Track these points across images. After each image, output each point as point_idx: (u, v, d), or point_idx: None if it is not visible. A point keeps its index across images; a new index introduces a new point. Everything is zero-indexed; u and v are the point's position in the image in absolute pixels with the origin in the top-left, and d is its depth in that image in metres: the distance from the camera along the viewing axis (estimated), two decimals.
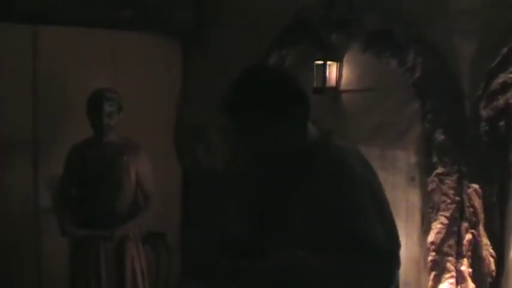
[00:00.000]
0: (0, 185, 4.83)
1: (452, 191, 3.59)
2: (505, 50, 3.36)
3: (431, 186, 3.68)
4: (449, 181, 3.60)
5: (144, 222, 4.12)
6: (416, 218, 3.84)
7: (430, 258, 3.69)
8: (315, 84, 4.22)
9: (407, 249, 3.89)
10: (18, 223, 4.90)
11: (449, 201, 3.61)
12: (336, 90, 4.24)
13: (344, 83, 4.25)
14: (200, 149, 5.25)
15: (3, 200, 4.84)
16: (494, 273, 3.42)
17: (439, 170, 3.64)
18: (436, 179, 3.65)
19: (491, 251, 3.42)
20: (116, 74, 5.07)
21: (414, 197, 3.86)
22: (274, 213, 2.10)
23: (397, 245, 2.04)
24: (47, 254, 5.00)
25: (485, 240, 3.44)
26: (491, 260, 3.42)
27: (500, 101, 3.40)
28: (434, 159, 3.66)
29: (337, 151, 2.10)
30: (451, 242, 3.60)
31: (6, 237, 4.80)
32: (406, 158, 3.90)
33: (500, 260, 3.43)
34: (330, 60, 4.20)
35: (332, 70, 4.22)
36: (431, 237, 3.68)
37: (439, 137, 3.64)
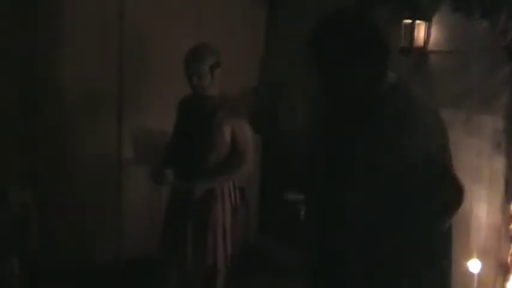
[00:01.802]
0: (84, 138, 4.99)
1: None
2: None
3: None
4: None
5: (231, 179, 4.06)
6: (500, 185, 3.76)
7: None
8: (402, 44, 4.14)
9: (489, 216, 3.84)
10: (102, 176, 5.07)
11: None
12: (423, 50, 4.15)
13: (432, 44, 4.14)
14: (282, 109, 5.27)
15: (87, 152, 4.99)
16: None
17: None
18: None
19: None
20: (200, 31, 5.10)
21: (499, 164, 3.77)
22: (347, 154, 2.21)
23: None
24: (128, 208, 5.18)
25: None
26: None
27: None
28: None
29: (414, 94, 2.21)
30: None
31: (89, 189, 4.98)
32: (493, 123, 3.80)
33: None
34: (419, 20, 4.10)
35: (420, 30, 4.12)
36: None
37: None
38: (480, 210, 3.85)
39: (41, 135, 4.78)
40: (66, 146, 4.92)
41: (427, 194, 2.08)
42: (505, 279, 3.63)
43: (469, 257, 3.68)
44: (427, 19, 4.12)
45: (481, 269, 3.54)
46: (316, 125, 2.72)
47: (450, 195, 2.12)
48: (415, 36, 4.12)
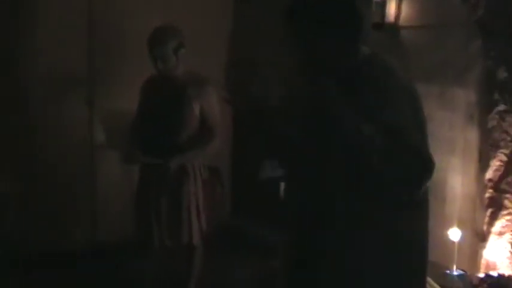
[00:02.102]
0: (56, 122, 4.95)
1: None
2: None
3: (491, 124, 3.70)
4: (510, 118, 3.61)
5: (201, 156, 4.13)
6: (474, 155, 3.86)
7: (487, 195, 3.73)
8: (374, 20, 4.20)
9: (464, 186, 3.95)
10: (73, 159, 5.04)
11: (509, 138, 3.62)
12: (395, 26, 4.22)
13: (403, 19, 4.22)
14: (255, 84, 5.28)
15: (59, 136, 4.96)
16: None
17: (500, 107, 3.65)
18: (497, 116, 3.67)
19: None
20: (168, 10, 5.08)
21: (472, 135, 3.87)
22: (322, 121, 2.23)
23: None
24: (101, 190, 5.17)
25: None
26: None
27: None
28: (496, 96, 3.67)
29: (387, 63, 2.28)
30: (510, 179, 3.63)
31: (62, 172, 4.97)
32: (466, 96, 3.90)
33: None
34: None
35: (391, 6, 4.20)
36: (489, 175, 3.71)
37: (502, 74, 3.64)
38: (455, 180, 3.95)
39: (13, 122, 4.75)
40: (38, 131, 4.89)
41: (397, 162, 2.13)
42: (481, 247, 3.74)
43: (445, 226, 3.77)
44: None
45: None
46: (295, 100, 2.75)
47: (418, 167, 2.14)
48: (387, 12, 4.19)
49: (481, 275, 3.49)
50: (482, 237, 3.75)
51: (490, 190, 3.71)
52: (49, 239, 4.83)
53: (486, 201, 3.74)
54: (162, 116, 4.00)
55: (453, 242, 3.56)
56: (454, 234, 3.56)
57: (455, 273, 3.51)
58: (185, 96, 3.94)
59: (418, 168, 2.14)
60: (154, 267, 4.31)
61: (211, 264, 4.46)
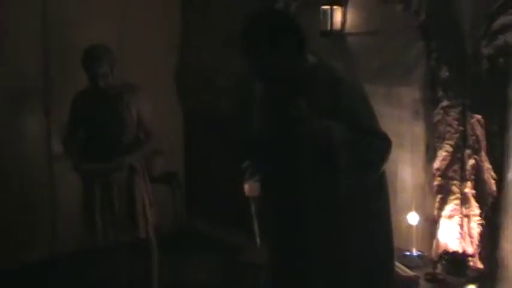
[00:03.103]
0: (13, 133, 5.03)
1: (456, 122, 3.97)
2: None
3: (437, 118, 4.07)
4: (454, 113, 3.98)
5: (145, 154, 4.40)
6: (421, 148, 4.24)
7: (436, 183, 4.10)
8: (321, 28, 4.54)
9: (413, 176, 4.31)
10: (32, 169, 5.13)
11: (453, 131, 3.99)
12: (341, 32, 4.56)
13: (349, 26, 4.57)
14: (206, 93, 5.53)
15: (16, 147, 5.04)
16: (495, 194, 3.85)
17: (444, 103, 4.03)
18: (442, 111, 4.04)
19: (493, 173, 3.83)
20: (118, 19, 5.27)
21: (419, 129, 4.25)
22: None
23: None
24: (60, 199, 5.27)
25: (486, 165, 3.85)
26: (493, 182, 3.84)
27: (500, 40, 3.75)
28: (440, 93, 4.04)
29: (334, 67, 2.71)
30: (456, 167, 4.01)
31: (21, 183, 5.04)
32: (411, 94, 4.27)
33: (500, 181, 3.84)
34: (335, 5, 4.51)
35: (337, 14, 4.53)
36: (437, 164, 4.08)
37: (444, 73, 4.01)
38: (405, 172, 4.32)
39: None
40: None
41: (361, 147, 2.53)
42: (433, 230, 4.11)
43: (398, 214, 4.10)
44: (343, 4, 4.53)
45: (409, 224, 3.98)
46: (257, 106, 3.05)
47: (381, 146, 2.60)
48: (333, 21, 4.52)
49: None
50: (433, 222, 4.12)
51: (439, 178, 4.08)
52: (6, 252, 4.89)
53: (435, 189, 4.11)
54: (104, 123, 4.25)
55: (411, 226, 3.91)
56: (412, 218, 3.91)
57: (414, 253, 3.85)
58: (123, 102, 4.23)
59: (381, 147, 2.59)
60: (115, 268, 4.47)
61: (169, 262, 4.67)
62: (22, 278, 4.77)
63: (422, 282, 3.59)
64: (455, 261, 3.70)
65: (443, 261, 3.67)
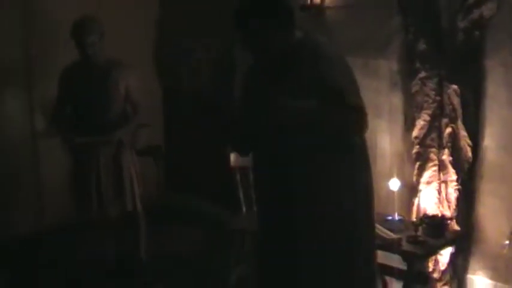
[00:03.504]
0: None
1: (434, 92, 4.15)
2: None
3: (414, 89, 4.24)
4: (431, 83, 4.15)
5: (133, 128, 4.53)
6: (399, 117, 4.42)
7: (414, 150, 4.28)
8: (301, 2, 4.67)
9: (392, 145, 4.51)
10: (16, 146, 5.19)
11: (431, 100, 4.17)
12: (320, 7, 4.70)
13: (328, 1, 4.70)
14: (185, 70, 5.61)
15: None
16: (470, 160, 4.07)
17: (422, 74, 4.19)
18: (419, 82, 4.20)
19: (468, 141, 4.04)
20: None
21: (397, 100, 4.43)
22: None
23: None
24: (44, 176, 5.35)
25: (463, 133, 4.05)
26: (468, 149, 4.05)
27: (475, 14, 3.94)
28: (417, 65, 4.20)
29: (318, 41, 2.90)
30: (433, 135, 4.19)
31: (5, 160, 5.09)
32: (388, 66, 4.44)
33: (475, 148, 4.07)
34: None
35: None
36: (415, 133, 4.26)
37: (421, 46, 4.17)
38: (384, 141, 4.51)
39: None
40: None
41: (340, 116, 2.72)
42: (412, 196, 4.31)
43: (377, 181, 4.27)
44: None
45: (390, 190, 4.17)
46: (241, 83, 3.20)
47: (359, 117, 2.76)
48: None
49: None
50: (412, 188, 4.32)
51: (417, 146, 4.27)
52: None
53: (414, 156, 4.29)
54: (92, 98, 4.36)
55: (392, 192, 4.10)
56: (394, 184, 4.09)
57: (396, 218, 4.05)
58: (111, 77, 4.36)
59: (358, 118, 2.76)
60: (101, 241, 4.58)
61: (153, 234, 4.80)
62: (9, 252, 4.82)
63: (404, 244, 3.77)
64: (435, 224, 3.89)
65: (424, 225, 3.87)
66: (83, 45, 4.22)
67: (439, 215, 4.04)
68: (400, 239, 3.80)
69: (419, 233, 3.83)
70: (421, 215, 4.04)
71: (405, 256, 3.78)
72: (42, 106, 5.18)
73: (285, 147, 2.83)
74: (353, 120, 2.76)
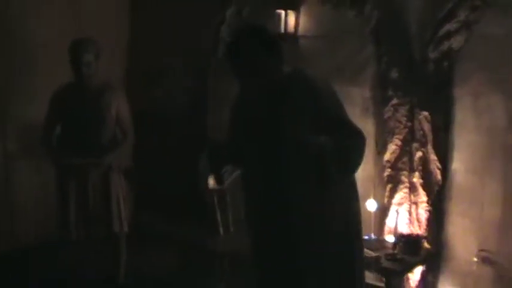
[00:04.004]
0: None
1: (405, 118, 4.39)
2: (450, 4, 4.18)
3: (387, 115, 4.48)
4: (403, 110, 4.40)
5: (122, 154, 4.57)
6: (371, 142, 4.61)
7: (386, 173, 4.50)
8: (276, 30, 4.85)
9: (364, 170, 4.56)
10: None
11: (402, 126, 4.41)
12: (294, 36, 4.90)
13: (302, 30, 4.91)
14: (159, 94, 5.69)
15: None
16: (440, 183, 4.30)
17: (394, 101, 4.44)
18: (392, 108, 4.45)
19: (438, 164, 4.28)
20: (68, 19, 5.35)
21: (368, 125, 4.61)
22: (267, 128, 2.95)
23: None
24: (15, 199, 5.27)
25: (433, 157, 4.29)
26: (438, 172, 4.29)
27: (445, 46, 4.22)
28: (390, 92, 4.45)
29: (308, 73, 3.03)
30: (405, 159, 4.43)
31: None
32: (361, 93, 4.66)
33: (444, 171, 4.30)
34: (289, 9, 4.85)
35: (291, 18, 4.87)
36: (387, 157, 4.49)
37: (394, 74, 4.43)
38: None
39: None
40: None
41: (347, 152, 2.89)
42: (384, 216, 4.52)
43: None
44: (296, 9, 4.88)
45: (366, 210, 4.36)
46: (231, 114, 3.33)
47: (360, 145, 2.96)
48: (287, 24, 4.86)
49: (390, 237, 4.26)
50: (383, 209, 4.52)
51: (389, 169, 4.49)
52: None
53: (386, 179, 4.51)
54: (85, 120, 4.37)
55: (370, 212, 4.29)
56: (371, 205, 4.29)
57: (373, 237, 4.24)
58: (104, 99, 4.39)
59: (360, 146, 2.95)
60: (80, 260, 4.59)
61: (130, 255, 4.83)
62: None
63: (383, 261, 3.96)
64: (411, 242, 4.11)
65: (400, 243, 4.07)
66: (79, 63, 4.23)
67: (415, 234, 4.25)
68: (379, 257, 3.98)
69: (397, 251, 4.03)
70: (393, 234, 4.23)
71: (384, 273, 3.96)
72: (16, 130, 5.15)
73: (282, 166, 2.95)
74: (363, 144, 2.95)
